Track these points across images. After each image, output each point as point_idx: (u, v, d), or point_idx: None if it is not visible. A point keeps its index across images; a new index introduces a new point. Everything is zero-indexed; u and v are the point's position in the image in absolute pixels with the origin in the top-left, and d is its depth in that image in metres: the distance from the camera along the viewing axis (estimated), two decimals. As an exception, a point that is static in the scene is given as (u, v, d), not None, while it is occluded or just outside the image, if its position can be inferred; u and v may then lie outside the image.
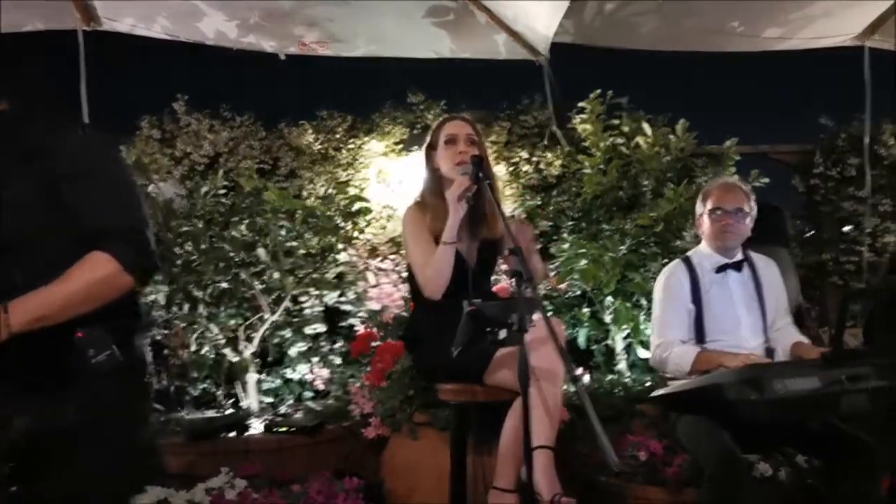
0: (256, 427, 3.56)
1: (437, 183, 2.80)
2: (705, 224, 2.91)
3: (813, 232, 5.31)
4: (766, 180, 4.18)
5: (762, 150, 5.33)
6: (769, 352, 2.82)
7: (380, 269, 4.39)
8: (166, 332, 3.90)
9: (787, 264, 3.65)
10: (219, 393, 4.00)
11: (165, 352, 3.90)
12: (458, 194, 2.54)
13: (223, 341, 3.87)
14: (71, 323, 1.60)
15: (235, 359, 3.84)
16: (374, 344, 3.67)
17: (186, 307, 3.84)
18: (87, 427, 1.62)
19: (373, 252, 4.49)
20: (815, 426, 2.41)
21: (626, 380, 3.92)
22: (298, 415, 3.76)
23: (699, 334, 2.81)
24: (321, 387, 4.10)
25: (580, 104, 4.40)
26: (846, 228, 5.11)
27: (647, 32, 4.26)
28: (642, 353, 3.95)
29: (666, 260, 3.65)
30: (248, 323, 3.91)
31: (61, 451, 1.62)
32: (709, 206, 2.88)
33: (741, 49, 4.62)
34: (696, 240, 3.21)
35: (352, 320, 4.28)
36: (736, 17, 4.30)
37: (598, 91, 4.38)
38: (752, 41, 4.48)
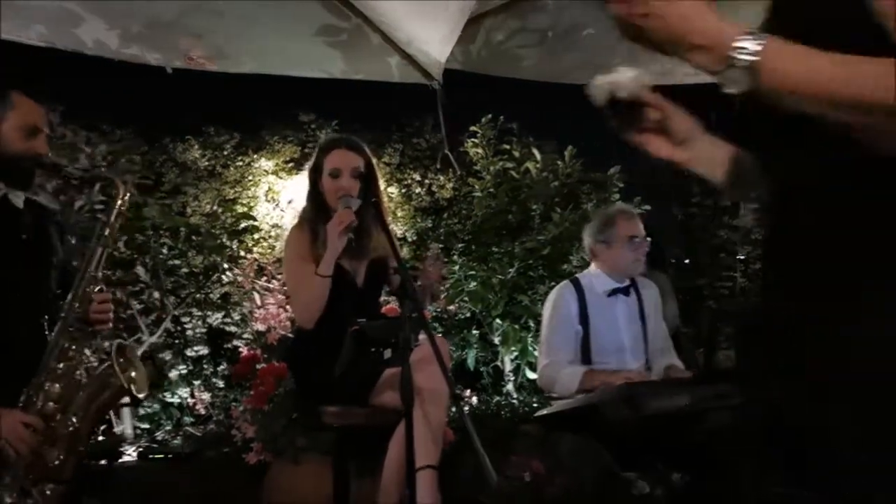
0: (130, 454, 3.37)
1: (319, 207, 2.72)
2: (615, 251, 2.86)
3: (689, 259, 5.57)
4: (648, 207, 4.35)
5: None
6: (649, 372, 2.90)
7: (266, 290, 4.27)
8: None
9: (667, 288, 3.79)
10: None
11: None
12: (340, 230, 2.47)
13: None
14: None
15: (109, 383, 3.63)
16: (258, 366, 3.55)
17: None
18: None
19: (259, 272, 4.36)
20: (685, 442, 2.50)
21: (514, 401, 3.96)
22: (177, 441, 3.60)
23: (585, 356, 2.84)
24: (202, 411, 3.94)
25: (472, 128, 4.46)
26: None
27: (532, 65, 4.37)
28: (531, 374, 4.01)
29: (553, 283, 3.71)
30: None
31: None
32: (622, 233, 2.83)
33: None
34: (583, 263, 3.26)
35: (236, 342, 4.14)
36: (618, 55, 4.45)
37: (490, 116, 4.47)
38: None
